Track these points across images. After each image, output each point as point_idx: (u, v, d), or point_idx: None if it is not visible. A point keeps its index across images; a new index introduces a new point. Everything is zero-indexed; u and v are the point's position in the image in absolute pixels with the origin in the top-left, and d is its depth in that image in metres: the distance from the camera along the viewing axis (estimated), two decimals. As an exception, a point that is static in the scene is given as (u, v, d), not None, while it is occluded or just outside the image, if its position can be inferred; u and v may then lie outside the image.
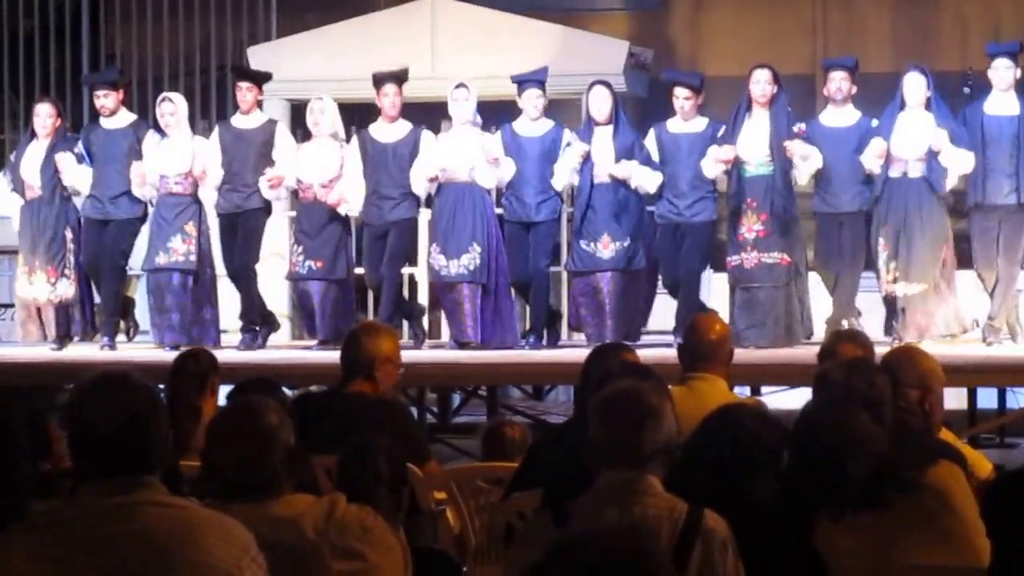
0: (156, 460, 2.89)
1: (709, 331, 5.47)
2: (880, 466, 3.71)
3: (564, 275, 9.80)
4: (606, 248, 8.95)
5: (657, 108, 9.54)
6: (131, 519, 2.81)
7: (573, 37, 11.28)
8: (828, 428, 3.76)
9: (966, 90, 9.75)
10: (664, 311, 9.45)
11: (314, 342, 9.43)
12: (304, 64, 10.59)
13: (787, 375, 8.03)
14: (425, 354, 8.92)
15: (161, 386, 5.41)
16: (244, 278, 9.44)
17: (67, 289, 9.41)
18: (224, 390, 5.92)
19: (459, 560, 4.77)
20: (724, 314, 8.88)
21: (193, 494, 3.68)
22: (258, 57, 11.38)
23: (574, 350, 8.97)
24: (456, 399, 10.38)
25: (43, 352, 9.46)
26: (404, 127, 9.25)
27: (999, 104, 8.83)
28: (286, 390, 6.03)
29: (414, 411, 8.38)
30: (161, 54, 12.67)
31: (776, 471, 3.78)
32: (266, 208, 9.43)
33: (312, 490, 3.63)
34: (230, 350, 9.19)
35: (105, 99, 9.52)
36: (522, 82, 9.15)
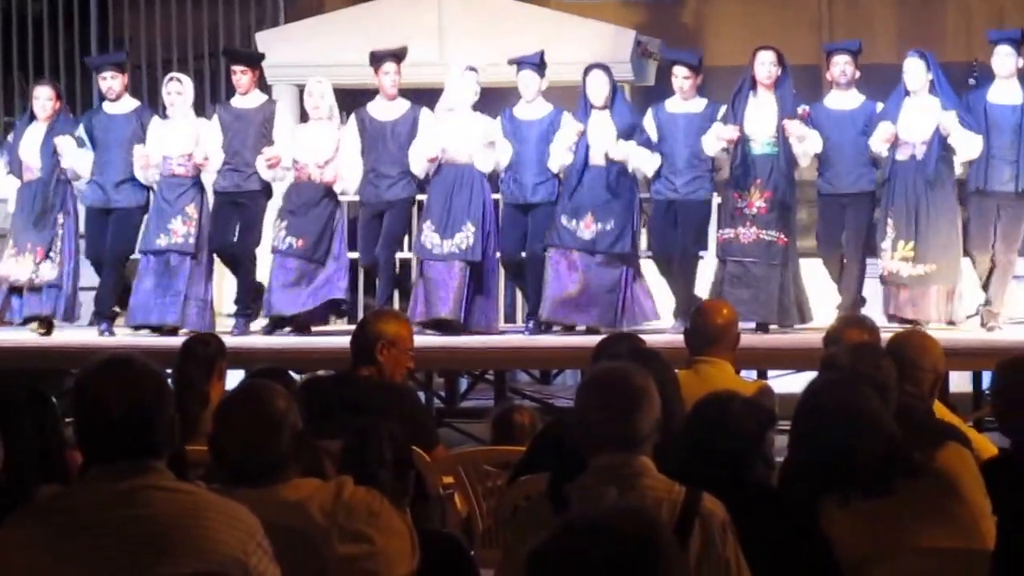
0: (162, 445, 2.89)
1: (716, 315, 5.48)
2: (889, 449, 3.69)
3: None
4: (587, 228, 8.90)
5: (664, 97, 9.50)
6: (137, 504, 2.81)
7: (581, 25, 11.26)
8: (838, 410, 3.74)
9: (971, 81, 9.73)
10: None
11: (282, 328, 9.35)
12: (311, 49, 10.59)
13: (794, 359, 8.03)
14: (432, 338, 8.91)
15: (168, 371, 5.42)
16: (244, 264, 9.40)
17: (50, 272, 9.34)
18: (231, 375, 5.94)
19: (467, 544, 4.78)
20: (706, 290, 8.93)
21: (200, 479, 3.69)
22: (265, 42, 11.37)
23: (581, 335, 8.97)
24: (464, 383, 10.37)
25: (46, 337, 9.47)
26: (402, 106, 9.25)
27: (1002, 92, 8.83)
28: (294, 375, 6.03)
29: (422, 395, 8.39)
30: (169, 38, 12.67)
31: (765, 455, 3.76)
32: (265, 191, 9.39)
33: (319, 475, 3.63)
34: (236, 336, 9.20)
35: (112, 81, 9.47)
36: (517, 64, 9.14)
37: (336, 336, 9.02)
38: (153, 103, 10.86)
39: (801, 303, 8.93)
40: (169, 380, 3.31)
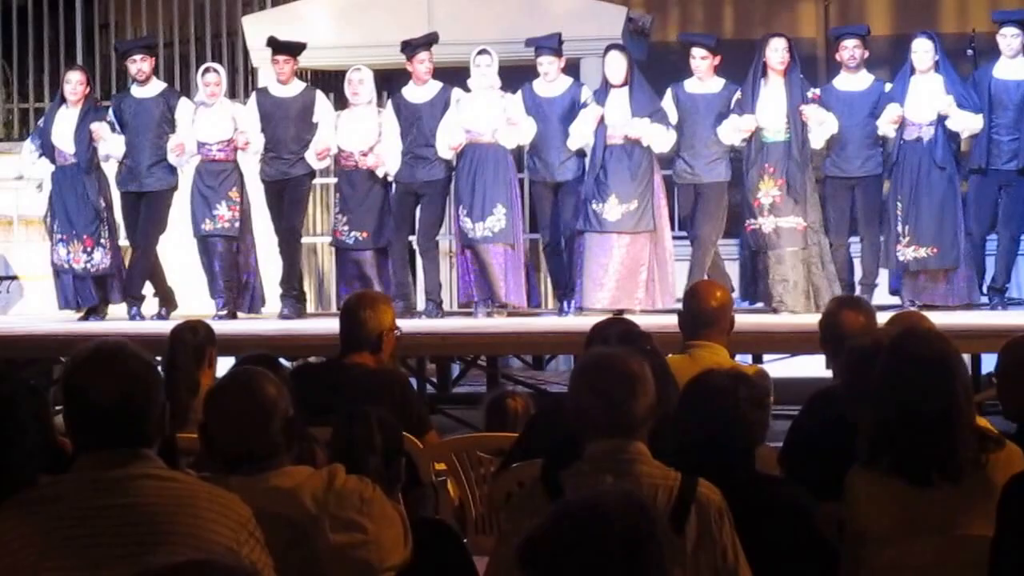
0: (153, 433, 2.87)
1: (710, 298, 5.43)
2: (962, 435, 3.57)
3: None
4: (613, 210, 9.02)
5: (655, 73, 9.52)
6: (127, 493, 2.79)
7: (571, 2, 11.21)
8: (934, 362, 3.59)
9: (968, 52, 9.78)
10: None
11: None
12: (299, 33, 10.50)
13: (789, 343, 8.00)
14: (424, 324, 8.90)
15: (158, 358, 5.37)
16: (288, 242, 9.57)
17: (103, 259, 9.52)
18: (221, 362, 5.90)
19: (460, 531, 4.74)
20: (734, 279, 9.04)
21: (190, 467, 3.65)
22: (252, 26, 11.32)
23: (574, 319, 8.96)
24: (455, 369, 10.35)
25: (41, 324, 9.45)
26: (434, 87, 9.39)
27: (1008, 68, 8.96)
28: (284, 362, 5.99)
29: (414, 382, 8.36)
30: (155, 23, 12.59)
31: (762, 432, 3.70)
32: (311, 174, 9.59)
33: (310, 463, 3.59)
34: (224, 321, 9.18)
35: (142, 63, 9.62)
36: (535, 48, 9.25)
37: (323, 320, 9.02)
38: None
39: (831, 283, 8.94)
40: (159, 368, 3.26)
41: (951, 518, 3.51)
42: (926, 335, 3.75)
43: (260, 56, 10.98)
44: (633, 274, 9.00)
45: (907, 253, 8.84)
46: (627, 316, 7.89)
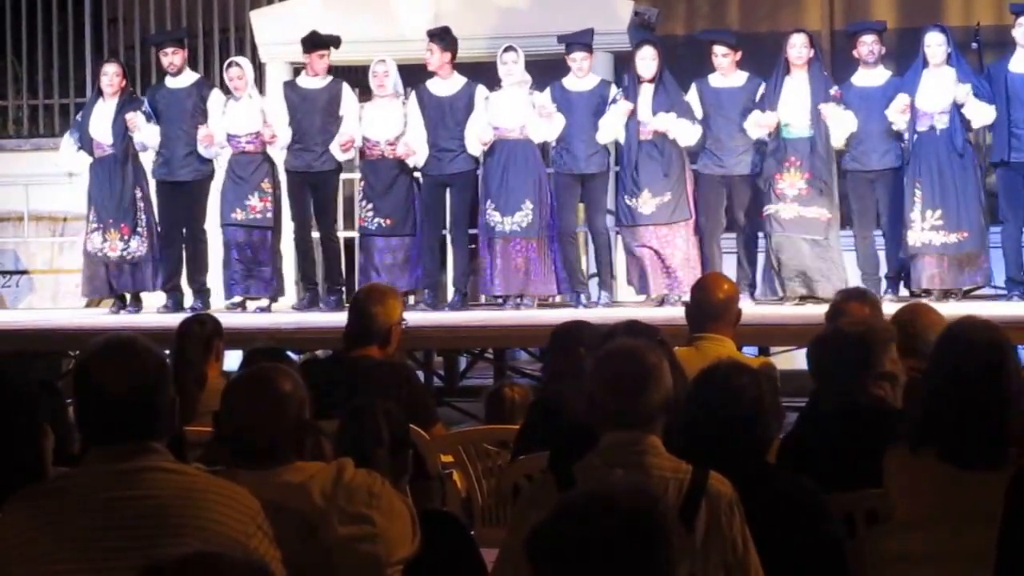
0: (163, 426, 2.88)
1: (717, 290, 5.43)
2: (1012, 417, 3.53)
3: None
4: (647, 204, 9.12)
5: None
6: (137, 485, 2.79)
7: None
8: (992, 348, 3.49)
9: (974, 45, 9.78)
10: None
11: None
12: (307, 26, 10.50)
13: (796, 335, 7.99)
14: (432, 317, 8.92)
15: (166, 352, 5.39)
16: (328, 247, 9.70)
17: (139, 247, 9.61)
18: (229, 355, 5.91)
19: (467, 522, 4.75)
20: (759, 272, 9.10)
21: (198, 461, 3.66)
22: (261, 20, 11.31)
23: (578, 311, 8.97)
24: (463, 362, 10.35)
25: (50, 319, 9.47)
26: (459, 81, 9.48)
27: (1023, 62, 8.93)
28: (291, 355, 6.00)
29: (421, 375, 8.36)
30: (163, 17, 12.60)
31: (775, 425, 3.69)
32: (337, 170, 9.68)
33: (318, 457, 3.59)
34: (232, 314, 9.21)
35: (173, 56, 9.78)
36: (566, 44, 9.34)
37: (331, 313, 9.03)
38: (147, 82, 10.86)
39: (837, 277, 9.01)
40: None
41: (986, 508, 3.48)
42: (980, 323, 3.73)
43: (268, 52, 10.98)
44: (675, 263, 9.14)
45: (934, 238, 8.85)
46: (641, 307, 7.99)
